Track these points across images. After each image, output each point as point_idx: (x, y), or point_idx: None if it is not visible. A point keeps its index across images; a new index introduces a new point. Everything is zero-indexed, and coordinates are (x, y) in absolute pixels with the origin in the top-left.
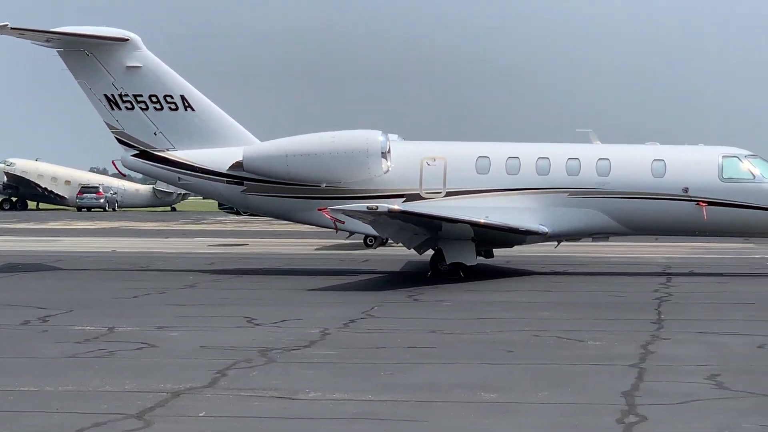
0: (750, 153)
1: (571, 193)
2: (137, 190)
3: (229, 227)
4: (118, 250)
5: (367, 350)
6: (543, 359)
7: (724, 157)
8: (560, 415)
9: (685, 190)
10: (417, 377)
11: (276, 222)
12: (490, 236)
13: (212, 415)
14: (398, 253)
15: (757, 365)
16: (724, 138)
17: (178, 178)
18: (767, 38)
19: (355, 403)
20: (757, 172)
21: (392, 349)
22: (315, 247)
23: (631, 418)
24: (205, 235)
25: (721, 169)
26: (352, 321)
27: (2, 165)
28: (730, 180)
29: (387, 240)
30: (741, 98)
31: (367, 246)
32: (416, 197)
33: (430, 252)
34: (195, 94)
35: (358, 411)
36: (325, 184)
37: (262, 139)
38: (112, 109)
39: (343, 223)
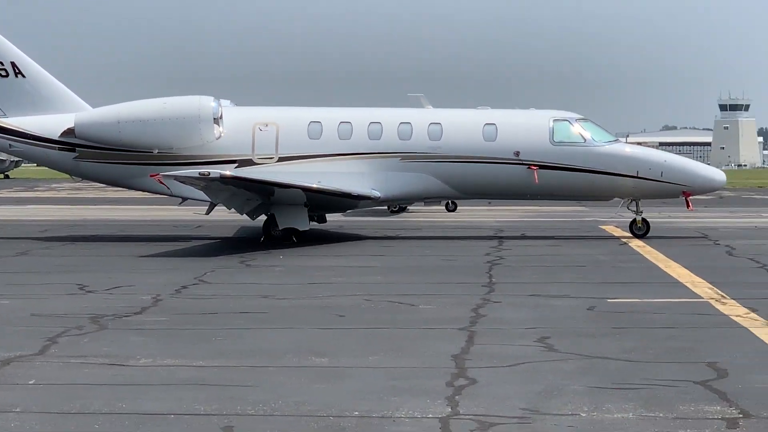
0: (581, 117)
1: (403, 158)
2: None
3: (63, 194)
4: None
5: (198, 316)
6: (374, 323)
7: (554, 120)
8: (391, 378)
9: (517, 153)
10: (249, 343)
11: (110, 189)
12: (323, 201)
13: (42, 383)
14: (232, 219)
15: (586, 327)
16: (556, 103)
17: (9, 145)
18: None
19: (186, 369)
20: (588, 135)
21: (224, 315)
22: None
23: (461, 381)
24: (39, 203)
25: (552, 133)
26: (184, 287)
27: None
28: (560, 143)
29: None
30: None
31: (392, 212)
32: (249, 163)
33: (263, 217)
34: (26, 61)
35: (188, 376)
36: (157, 150)
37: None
38: None
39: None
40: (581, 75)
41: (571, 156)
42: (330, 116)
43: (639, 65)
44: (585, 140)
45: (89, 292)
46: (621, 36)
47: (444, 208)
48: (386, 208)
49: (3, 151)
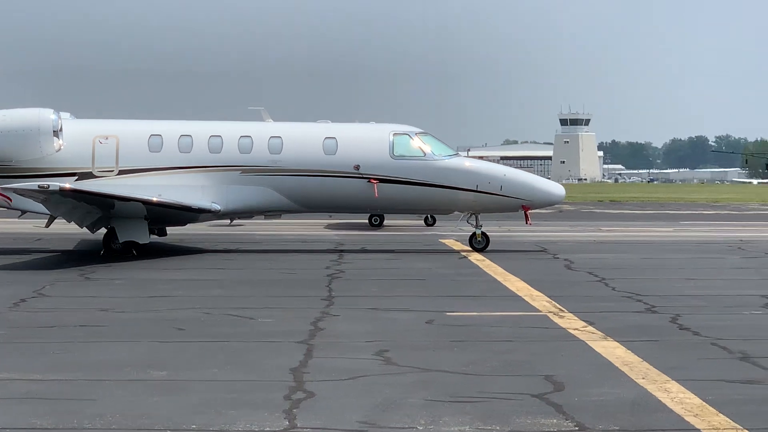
0: (421, 131)
1: (243, 171)
2: None
3: None
4: None
5: (37, 329)
6: (213, 337)
7: (394, 134)
8: (229, 391)
9: (357, 167)
10: (87, 356)
11: None
12: (163, 214)
13: None
14: (72, 232)
15: (424, 341)
16: (398, 117)
17: None
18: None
19: (22, 383)
20: (427, 149)
21: (63, 328)
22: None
23: (299, 395)
24: None
25: (391, 147)
26: (23, 300)
27: None
28: (400, 157)
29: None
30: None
31: (372, 225)
32: (89, 176)
33: (104, 230)
34: None
35: (25, 391)
36: None
37: None
38: None
39: (11, 201)
40: (422, 89)
41: (410, 170)
42: (170, 129)
43: (480, 79)
44: (425, 154)
45: None
46: (461, 49)
47: (423, 222)
48: (367, 221)
49: None
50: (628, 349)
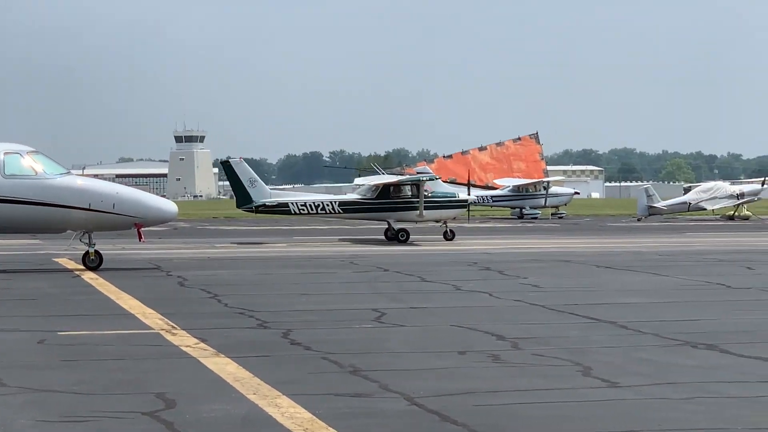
0: (32, 149)
1: None
2: None
3: None
4: None
5: None
6: None
7: (6, 153)
8: None
9: None
10: None
11: None
12: None
13: None
14: None
15: (35, 361)
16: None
17: None
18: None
19: None
20: (39, 168)
21: None
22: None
23: None
24: None
25: (3, 166)
26: None
27: None
28: (12, 176)
29: None
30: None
31: (388, 239)
32: None
33: None
34: None
35: None
36: None
37: None
38: None
39: None
40: (34, 104)
41: (22, 189)
42: None
43: (110, 97)
44: (36, 173)
45: None
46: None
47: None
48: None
49: None
50: (240, 365)
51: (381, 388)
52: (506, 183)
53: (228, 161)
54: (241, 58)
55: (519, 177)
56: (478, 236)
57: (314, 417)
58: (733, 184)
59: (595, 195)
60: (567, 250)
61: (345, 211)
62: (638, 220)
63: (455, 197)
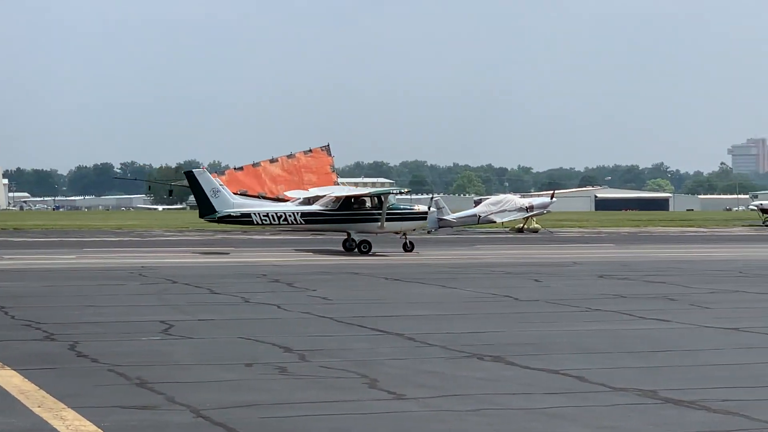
0: None
1: None
2: None
3: None
4: None
5: None
6: None
7: None
8: None
9: None
10: None
11: None
12: None
13: None
14: None
15: None
16: None
17: None
18: None
19: None
20: None
21: None
22: None
23: None
24: None
25: None
26: None
27: None
28: None
29: None
30: None
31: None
32: None
33: None
34: None
35: None
36: None
37: None
38: None
39: None
40: None
41: None
42: None
43: None
44: None
45: None
46: None
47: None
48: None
49: None
50: (26, 378)
51: (167, 400)
52: (297, 195)
53: (191, 171)
54: (28, 65)
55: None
56: (256, 249)
57: (99, 429)
58: (523, 197)
59: None
60: (355, 262)
61: (307, 222)
62: (428, 232)
63: (414, 210)
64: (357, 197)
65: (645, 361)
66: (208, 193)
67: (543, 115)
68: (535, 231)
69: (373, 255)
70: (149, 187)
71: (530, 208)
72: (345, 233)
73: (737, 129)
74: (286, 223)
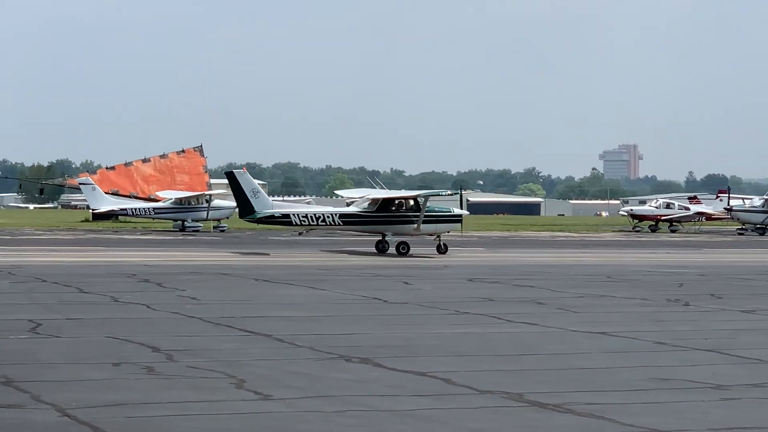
0: None
1: None
2: None
3: None
4: None
5: None
6: None
7: None
8: None
9: None
10: None
11: None
12: None
13: None
14: None
15: None
16: None
17: None
18: None
19: None
20: None
21: None
22: None
23: None
24: None
25: None
26: None
27: None
28: None
29: None
30: None
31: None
32: None
33: None
34: None
35: None
36: None
37: None
38: None
39: None
40: None
41: None
42: None
43: None
44: None
45: None
46: None
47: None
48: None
49: None
50: None
51: (33, 399)
52: (169, 195)
53: (232, 172)
54: None
55: (182, 189)
56: (135, 248)
57: None
58: None
59: None
60: (226, 263)
61: (345, 223)
62: (299, 234)
63: (450, 212)
64: (395, 199)
65: (512, 364)
66: (248, 194)
67: (416, 118)
68: None
69: (410, 256)
70: (20, 185)
71: None
72: (380, 234)
73: (609, 135)
74: (324, 224)
